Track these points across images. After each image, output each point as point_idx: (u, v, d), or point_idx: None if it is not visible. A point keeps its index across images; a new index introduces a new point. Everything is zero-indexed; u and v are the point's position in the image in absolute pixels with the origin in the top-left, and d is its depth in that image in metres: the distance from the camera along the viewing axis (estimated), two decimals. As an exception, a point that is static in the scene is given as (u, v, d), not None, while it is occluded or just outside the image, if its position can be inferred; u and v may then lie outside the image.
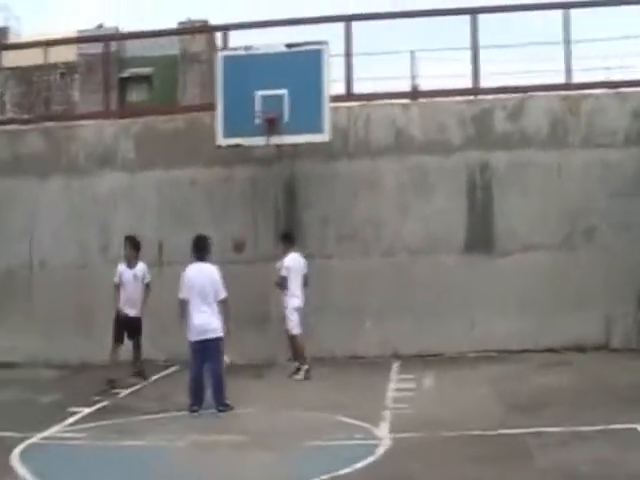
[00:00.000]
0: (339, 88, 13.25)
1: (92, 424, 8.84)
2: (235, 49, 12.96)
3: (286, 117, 11.99)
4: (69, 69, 28.24)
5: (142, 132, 13.77)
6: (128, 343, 11.29)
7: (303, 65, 12.18)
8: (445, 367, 11.61)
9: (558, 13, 13.15)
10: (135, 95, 29.81)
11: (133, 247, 11.41)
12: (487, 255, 12.79)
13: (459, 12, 13.57)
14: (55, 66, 24.40)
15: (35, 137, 14.10)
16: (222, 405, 9.13)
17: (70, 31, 23.23)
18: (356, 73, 13.53)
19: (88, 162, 13.77)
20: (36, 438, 8.22)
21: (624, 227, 12.43)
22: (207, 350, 9.08)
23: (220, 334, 9.15)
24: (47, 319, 13.23)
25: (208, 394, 9.20)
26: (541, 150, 12.82)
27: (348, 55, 13.42)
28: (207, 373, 9.14)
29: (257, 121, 12.04)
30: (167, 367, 12.22)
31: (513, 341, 12.27)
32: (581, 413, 8.40)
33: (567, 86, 13.16)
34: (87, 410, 9.55)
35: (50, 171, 13.78)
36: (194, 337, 9.13)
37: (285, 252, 11.56)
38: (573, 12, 13.14)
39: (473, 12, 13.26)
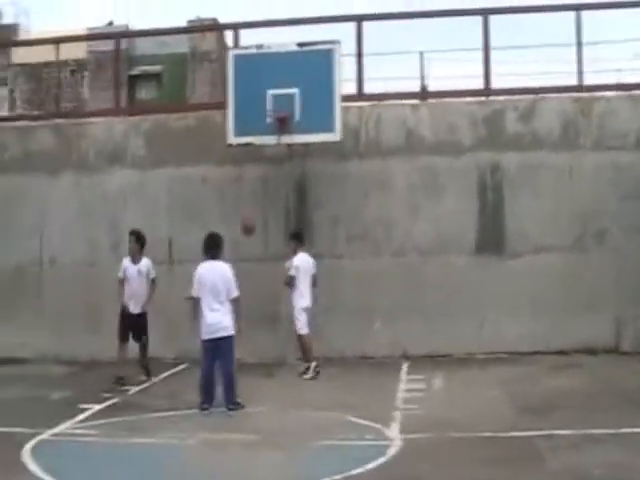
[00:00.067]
0: (350, 88, 13.27)
1: (102, 421, 8.84)
2: (246, 48, 12.93)
3: (297, 116, 11.97)
4: (79, 66, 28.22)
5: (152, 129, 13.77)
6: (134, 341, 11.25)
7: (315, 64, 12.16)
8: (455, 368, 11.59)
9: (570, 15, 13.12)
10: (144, 93, 29.79)
11: (137, 241, 11.22)
12: (498, 256, 12.77)
13: (471, 13, 13.56)
14: (65, 63, 24.36)
15: (45, 134, 14.10)
16: (233, 403, 9.13)
17: (80, 28, 23.21)
18: (367, 73, 13.54)
19: (98, 159, 13.77)
20: (47, 434, 8.22)
21: (635, 230, 12.41)
22: (219, 348, 9.07)
23: (232, 332, 9.14)
24: (57, 316, 13.26)
25: (219, 392, 9.20)
26: (552, 152, 12.78)
27: (359, 55, 13.40)
28: (218, 371, 9.14)
29: (268, 120, 12.02)
30: (176, 365, 12.23)
31: (524, 343, 12.25)
32: (592, 416, 8.37)
33: (579, 88, 13.13)
34: (97, 407, 9.55)
35: (60, 168, 13.78)
36: (206, 335, 9.12)
37: (295, 251, 11.57)
38: (585, 14, 13.11)
39: (485, 13, 13.23)
